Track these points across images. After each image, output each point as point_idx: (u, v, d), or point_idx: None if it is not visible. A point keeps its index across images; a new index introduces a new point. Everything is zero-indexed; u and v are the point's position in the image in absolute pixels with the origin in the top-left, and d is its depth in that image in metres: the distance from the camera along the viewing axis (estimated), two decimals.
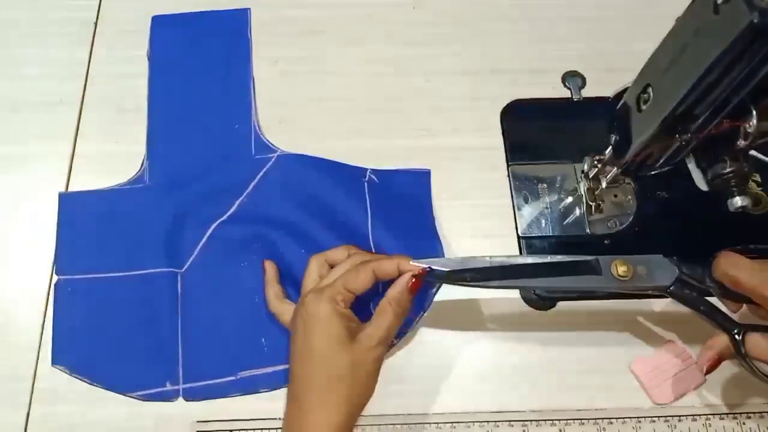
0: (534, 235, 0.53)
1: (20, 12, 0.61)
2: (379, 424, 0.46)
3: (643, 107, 0.40)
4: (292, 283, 0.49)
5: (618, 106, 0.43)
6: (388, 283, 0.43)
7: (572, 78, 0.59)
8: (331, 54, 0.60)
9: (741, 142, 0.37)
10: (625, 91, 0.42)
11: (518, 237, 0.52)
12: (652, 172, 0.44)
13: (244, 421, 0.46)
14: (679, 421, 0.46)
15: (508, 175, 0.55)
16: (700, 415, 0.46)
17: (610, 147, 0.45)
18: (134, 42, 0.60)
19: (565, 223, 0.53)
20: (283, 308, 0.46)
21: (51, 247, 0.51)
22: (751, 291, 0.40)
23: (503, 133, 0.57)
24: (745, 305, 0.43)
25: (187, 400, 0.47)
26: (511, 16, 0.62)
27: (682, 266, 0.43)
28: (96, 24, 0.61)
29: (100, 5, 0.62)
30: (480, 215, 0.53)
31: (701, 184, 0.41)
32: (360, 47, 0.61)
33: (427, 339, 0.49)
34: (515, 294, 0.50)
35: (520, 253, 0.52)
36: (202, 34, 0.60)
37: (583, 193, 0.53)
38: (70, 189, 0.54)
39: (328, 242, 0.49)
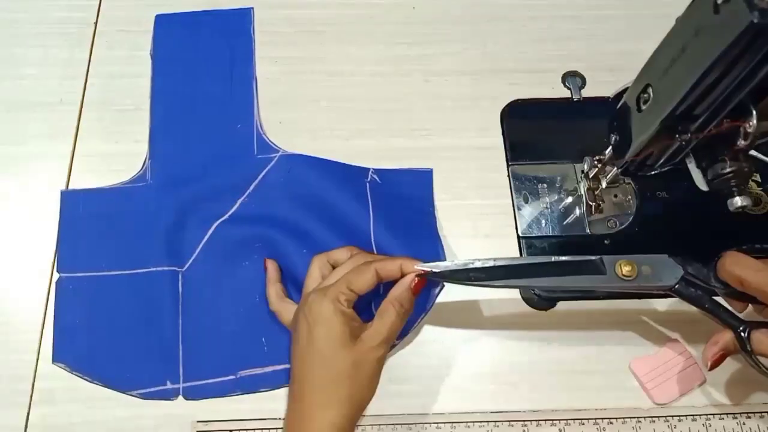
0: (534, 235, 0.53)
1: (20, 12, 0.61)
2: (379, 424, 0.46)
3: (643, 107, 0.40)
4: (293, 283, 0.49)
5: (618, 106, 0.43)
6: (389, 283, 0.43)
7: (572, 78, 0.59)
8: (331, 54, 0.60)
9: (741, 142, 0.37)
10: (625, 91, 0.42)
11: (518, 237, 0.53)
12: (652, 172, 0.44)
13: (244, 421, 0.46)
14: (679, 421, 0.46)
15: (508, 175, 0.55)
16: (700, 415, 0.46)
17: (610, 147, 0.45)
18: (134, 42, 0.60)
19: (565, 223, 0.53)
20: (284, 307, 0.46)
21: (51, 245, 0.51)
22: (756, 290, 0.39)
23: (503, 133, 0.57)
24: (750, 305, 0.43)
25: (187, 399, 0.47)
26: (511, 16, 0.62)
27: (687, 266, 0.43)
28: (96, 24, 0.61)
29: (100, 5, 0.62)
30: (480, 215, 0.53)
31: (701, 184, 0.41)
32: (360, 47, 0.61)
33: (427, 339, 0.49)
34: (515, 294, 0.50)
35: (520, 253, 0.52)
36: (205, 33, 0.60)
37: (583, 193, 0.53)
38: (71, 188, 0.54)
39: (329, 242, 0.49)
